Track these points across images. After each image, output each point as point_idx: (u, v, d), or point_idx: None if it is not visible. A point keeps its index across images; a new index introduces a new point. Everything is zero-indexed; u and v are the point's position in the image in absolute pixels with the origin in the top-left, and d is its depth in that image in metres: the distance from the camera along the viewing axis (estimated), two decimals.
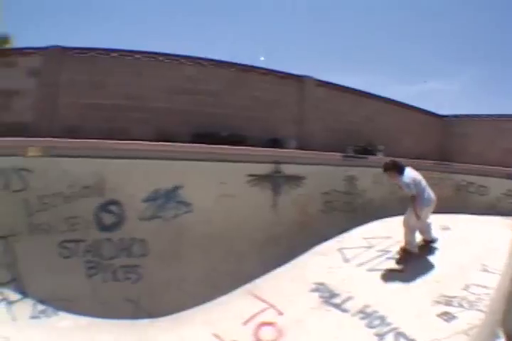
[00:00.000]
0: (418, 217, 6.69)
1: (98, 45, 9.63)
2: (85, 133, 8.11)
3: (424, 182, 6.96)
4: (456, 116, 14.79)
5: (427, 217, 6.97)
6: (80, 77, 9.10)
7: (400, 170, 6.84)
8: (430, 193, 6.97)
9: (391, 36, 42.17)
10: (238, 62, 10.56)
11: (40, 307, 5.98)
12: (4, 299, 5.87)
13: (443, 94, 39.19)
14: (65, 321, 5.94)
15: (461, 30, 40.16)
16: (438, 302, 5.69)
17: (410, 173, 6.88)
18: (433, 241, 7.25)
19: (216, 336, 5.74)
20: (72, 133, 8.04)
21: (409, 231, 6.95)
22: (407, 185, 6.63)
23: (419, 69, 42.27)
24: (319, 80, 11.28)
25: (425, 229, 7.17)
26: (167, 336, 5.87)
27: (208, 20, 37.27)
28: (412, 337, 5.23)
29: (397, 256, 6.97)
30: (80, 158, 6.85)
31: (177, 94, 9.54)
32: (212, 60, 10.19)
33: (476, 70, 42.74)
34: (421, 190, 6.77)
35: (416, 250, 6.97)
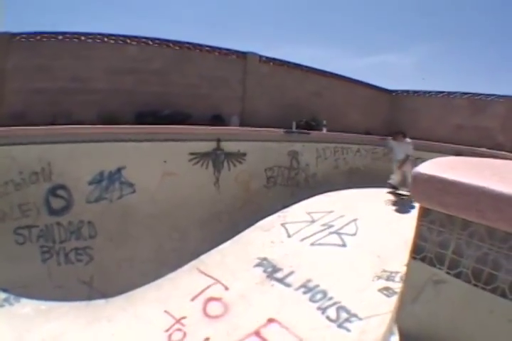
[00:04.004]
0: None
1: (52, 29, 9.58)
2: (31, 118, 8.11)
3: None
4: (405, 91, 14.84)
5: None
6: (26, 62, 9.06)
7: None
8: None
9: (343, 8, 41.73)
10: (182, 40, 10.58)
11: (2, 295, 6.04)
12: None
13: (396, 68, 39.45)
14: (27, 307, 6.01)
15: (416, 2, 40.10)
16: (379, 277, 5.87)
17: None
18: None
19: (167, 313, 5.94)
20: (18, 119, 8.06)
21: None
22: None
23: (373, 42, 42.27)
24: (263, 56, 11.32)
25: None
26: (122, 314, 6.02)
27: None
28: (353, 311, 5.42)
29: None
30: (23, 145, 6.85)
31: (120, 74, 9.54)
32: (156, 39, 10.15)
33: (430, 45, 42.98)
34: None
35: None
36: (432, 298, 2.77)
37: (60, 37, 9.54)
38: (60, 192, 7.03)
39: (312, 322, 5.45)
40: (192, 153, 7.99)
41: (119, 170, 7.39)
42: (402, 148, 9.12)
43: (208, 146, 8.18)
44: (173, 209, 7.55)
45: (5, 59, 9.03)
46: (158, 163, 7.67)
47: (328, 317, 5.46)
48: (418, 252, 2.85)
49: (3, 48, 9.05)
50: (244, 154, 8.46)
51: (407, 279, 3.15)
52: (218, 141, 8.26)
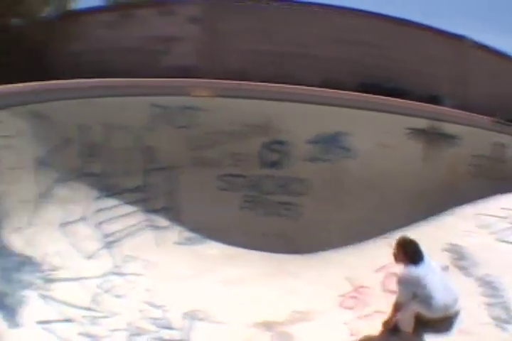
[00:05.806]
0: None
1: None
2: (249, 76, 8.56)
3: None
4: None
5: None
6: (247, 25, 9.66)
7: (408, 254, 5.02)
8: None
9: None
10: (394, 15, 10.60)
11: (187, 234, 6.54)
12: (151, 225, 6.45)
13: None
14: (213, 249, 6.49)
15: None
16: None
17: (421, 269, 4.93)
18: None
19: (348, 279, 6.18)
20: (234, 76, 8.48)
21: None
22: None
23: None
24: (479, 42, 11.03)
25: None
26: (306, 272, 6.34)
27: None
28: None
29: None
30: (249, 100, 7.24)
31: (347, 45, 9.87)
32: (387, 17, 10.27)
33: None
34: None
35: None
36: None
37: (287, 4, 9.99)
38: (277, 146, 7.41)
39: (476, 316, 5.44)
40: (409, 128, 7.96)
41: (338, 134, 7.58)
42: None
43: (423, 123, 8.09)
44: (382, 181, 7.65)
45: (219, 20, 9.66)
46: (376, 133, 7.69)
47: (489, 315, 5.47)
48: None
49: (217, 9, 9.68)
50: (457, 137, 8.28)
51: None
52: (435, 120, 8.15)
